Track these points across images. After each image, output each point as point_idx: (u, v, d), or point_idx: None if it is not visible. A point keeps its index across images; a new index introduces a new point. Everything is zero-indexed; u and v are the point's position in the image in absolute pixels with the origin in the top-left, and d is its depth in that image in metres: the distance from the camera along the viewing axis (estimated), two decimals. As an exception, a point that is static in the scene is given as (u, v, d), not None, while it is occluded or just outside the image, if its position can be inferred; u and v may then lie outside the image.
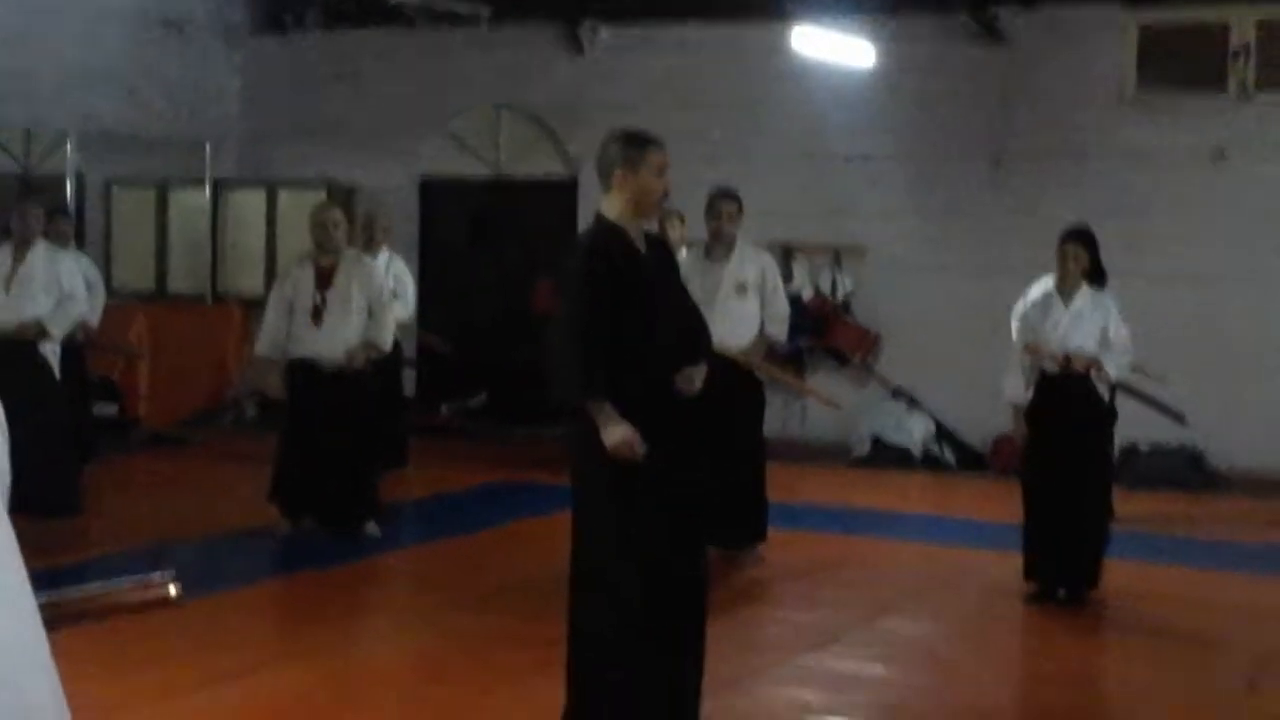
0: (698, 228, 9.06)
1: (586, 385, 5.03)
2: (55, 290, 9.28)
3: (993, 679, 6.66)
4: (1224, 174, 12.16)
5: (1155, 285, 11.62)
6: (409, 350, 12.81)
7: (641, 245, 5.30)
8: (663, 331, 5.21)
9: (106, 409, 12.52)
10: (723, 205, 8.61)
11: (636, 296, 5.14)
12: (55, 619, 2.09)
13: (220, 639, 6.76)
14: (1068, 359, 7.74)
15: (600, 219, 5.29)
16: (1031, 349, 7.95)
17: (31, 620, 2.05)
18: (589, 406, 5.02)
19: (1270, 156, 12.04)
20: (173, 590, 2.43)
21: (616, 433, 4.97)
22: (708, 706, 5.30)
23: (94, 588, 2.43)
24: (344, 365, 8.92)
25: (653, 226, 6.25)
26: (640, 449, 4.97)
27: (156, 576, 2.47)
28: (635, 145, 5.26)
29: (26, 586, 2.06)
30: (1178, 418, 9.64)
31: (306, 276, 9.05)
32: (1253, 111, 12.11)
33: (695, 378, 5.27)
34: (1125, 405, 8.47)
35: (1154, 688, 6.44)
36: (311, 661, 6.45)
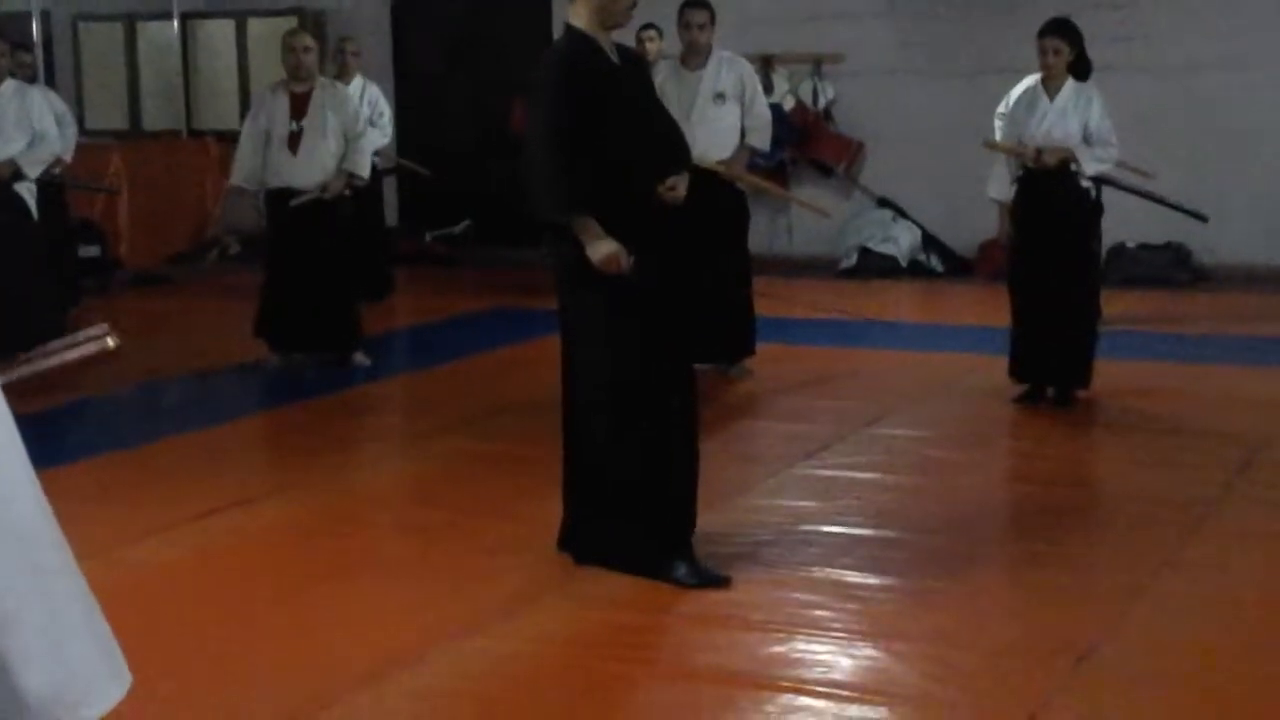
0: (675, 44, 8.90)
1: (568, 201, 4.97)
2: (27, 129, 9.13)
3: (985, 480, 6.69)
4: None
5: (1141, 77, 11.49)
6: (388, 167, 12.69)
7: (614, 56, 5.20)
8: (641, 142, 5.15)
9: (89, 250, 12.42)
10: (692, 15, 8.45)
11: (612, 107, 5.07)
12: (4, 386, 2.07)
13: (212, 473, 6.77)
14: (1039, 153, 7.65)
15: (570, 29, 5.18)
16: (996, 146, 7.88)
17: (15, 445, 2.03)
18: (572, 223, 4.97)
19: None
20: (110, 341, 2.42)
21: (602, 248, 4.94)
22: (703, 520, 5.33)
23: (33, 354, 2.41)
24: (320, 195, 8.83)
25: (629, 43, 6.13)
26: (627, 263, 4.94)
27: (92, 330, 2.46)
28: None
29: (8, 417, 2.03)
30: (1200, 217, 9.55)
31: (281, 105, 8.93)
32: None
33: (679, 185, 5.23)
34: (1114, 205, 8.39)
35: (1145, 481, 6.48)
36: (303, 491, 6.47)
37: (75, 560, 2.05)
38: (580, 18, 5.14)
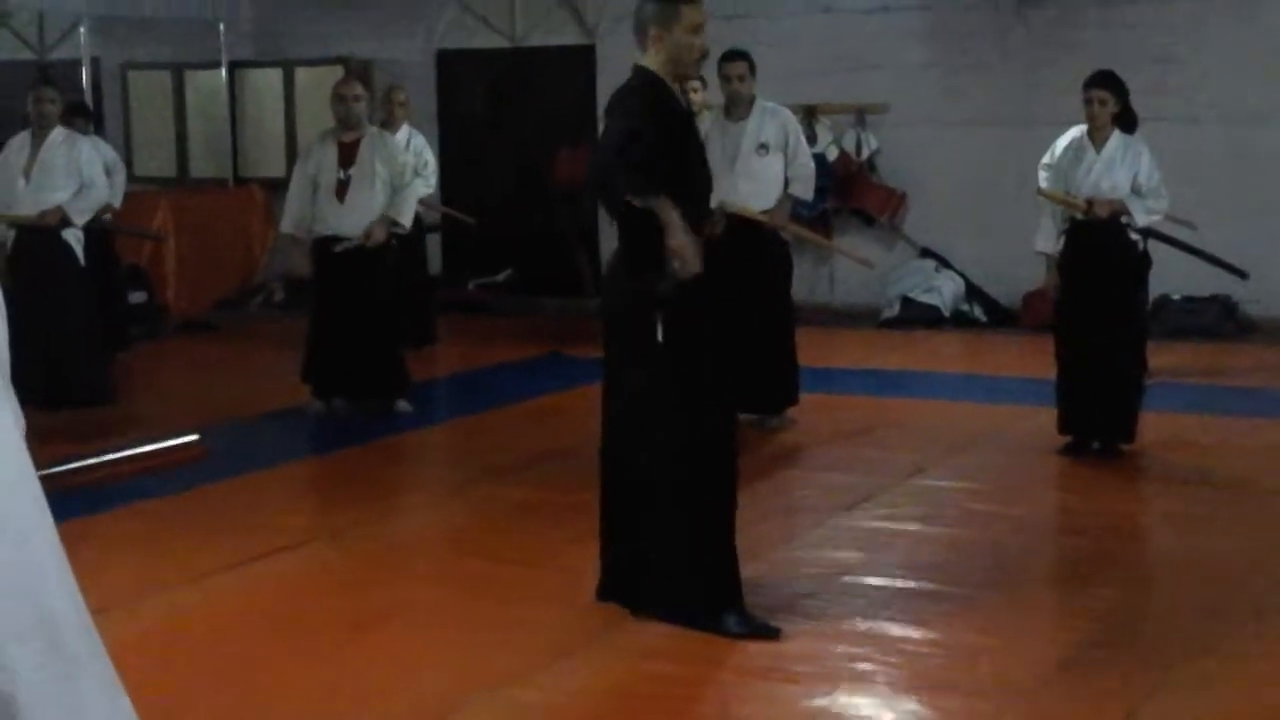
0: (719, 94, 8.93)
1: (652, 183, 4.91)
2: (75, 177, 9.23)
3: (1029, 532, 6.64)
4: (1253, 11, 11.92)
5: (1185, 128, 11.45)
6: (432, 219, 12.77)
7: (681, 99, 5.28)
8: (696, 181, 5.17)
9: (136, 296, 12.52)
10: (730, 67, 8.47)
11: (676, 144, 5.08)
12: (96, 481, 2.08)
13: (254, 518, 6.79)
14: (1090, 204, 7.63)
15: (641, 70, 5.20)
16: (1049, 195, 7.85)
17: (38, 505, 2.03)
18: (655, 202, 4.89)
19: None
20: (199, 449, 2.45)
21: (682, 234, 4.86)
22: (745, 570, 5.31)
23: (126, 457, 2.44)
24: (363, 242, 8.88)
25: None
26: (698, 265, 4.89)
27: (184, 440, 2.49)
28: (669, 3, 5.16)
29: (28, 464, 2.03)
30: (1240, 274, 9.50)
31: (330, 153, 9.00)
32: (1284, -54, 11.85)
33: (716, 220, 5.23)
34: (1161, 257, 8.37)
35: (1191, 535, 6.42)
36: (345, 537, 6.48)
37: (105, 624, 2.05)
38: (651, 63, 5.18)
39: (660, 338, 5.02)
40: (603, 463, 5.37)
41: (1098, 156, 7.70)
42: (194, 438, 2.31)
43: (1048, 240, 7.90)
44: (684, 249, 4.87)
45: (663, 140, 5.04)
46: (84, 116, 11.20)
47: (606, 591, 5.37)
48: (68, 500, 1.79)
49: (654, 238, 4.94)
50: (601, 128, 5.36)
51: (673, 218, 4.87)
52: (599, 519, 5.40)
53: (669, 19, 5.13)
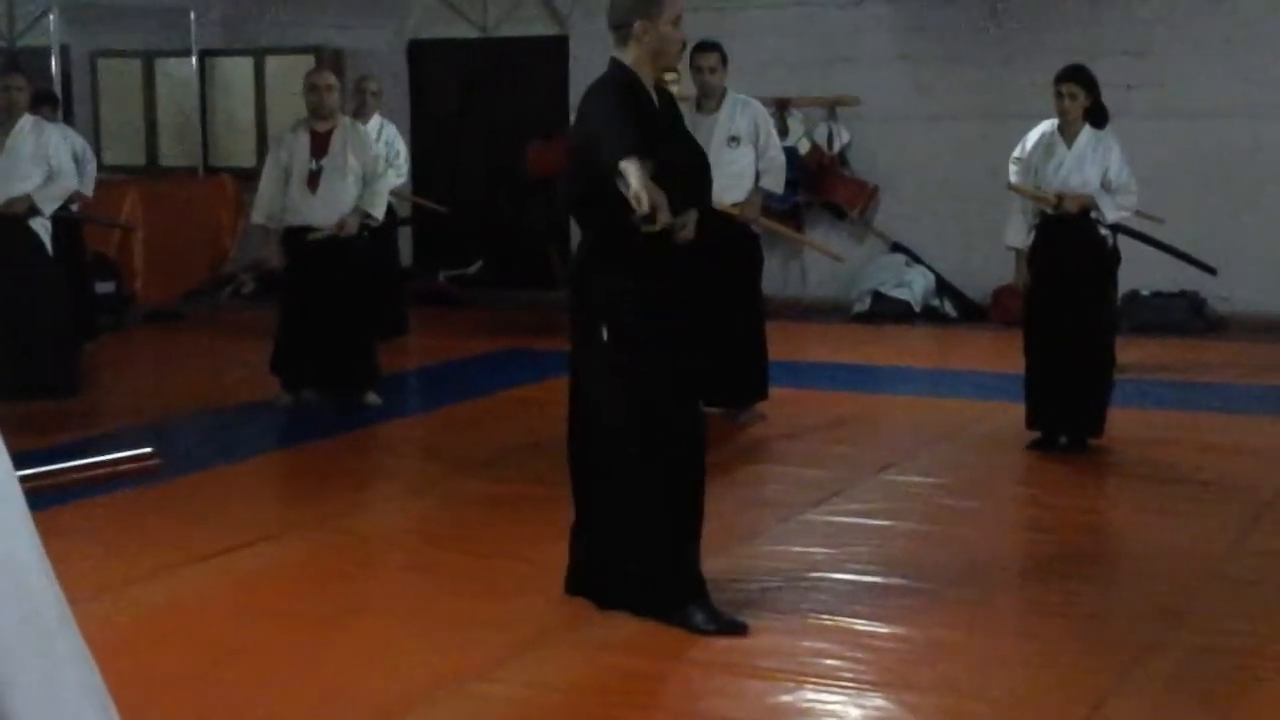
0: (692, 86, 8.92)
1: (634, 144, 4.82)
2: (43, 165, 9.17)
3: (997, 528, 6.67)
4: (1225, 7, 11.98)
5: (1155, 124, 11.50)
6: (404, 212, 12.75)
7: (654, 96, 5.22)
8: (665, 178, 5.11)
9: (104, 286, 12.45)
10: (702, 58, 8.46)
11: (647, 139, 5.05)
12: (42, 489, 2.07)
13: (223, 512, 6.77)
14: (1059, 199, 7.65)
15: (616, 63, 5.17)
16: (1019, 189, 7.86)
17: (13, 491, 2.02)
18: (623, 163, 4.77)
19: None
20: (153, 462, 2.44)
21: (646, 183, 4.73)
22: (713, 564, 5.32)
23: (76, 469, 2.43)
24: (336, 233, 8.86)
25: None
26: (666, 214, 4.78)
27: (137, 453, 2.48)
28: None
29: (11, 474, 2.02)
30: (1208, 270, 9.55)
31: (302, 143, 8.97)
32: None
33: (689, 225, 5.17)
34: (1130, 253, 8.39)
35: (1158, 531, 6.45)
36: (316, 531, 6.46)
37: (73, 614, 2.04)
38: (629, 56, 5.15)
39: (605, 338, 5.02)
40: (570, 457, 5.37)
41: (1068, 151, 7.72)
42: (146, 450, 2.29)
43: (1018, 235, 7.92)
44: (648, 191, 4.71)
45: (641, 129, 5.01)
46: (51, 104, 11.14)
47: (574, 585, 5.37)
48: (27, 493, 1.79)
49: (619, 232, 4.94)
50: (574, 119, 5.32)
51: (632, 169, 4.74)
52: (574, 512, 5.39)
53: (652, 11, 5.09)
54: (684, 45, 5.28)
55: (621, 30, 5.15)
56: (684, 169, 5.30)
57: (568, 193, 5.18)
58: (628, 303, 5.04)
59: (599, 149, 4.93)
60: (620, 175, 4.80)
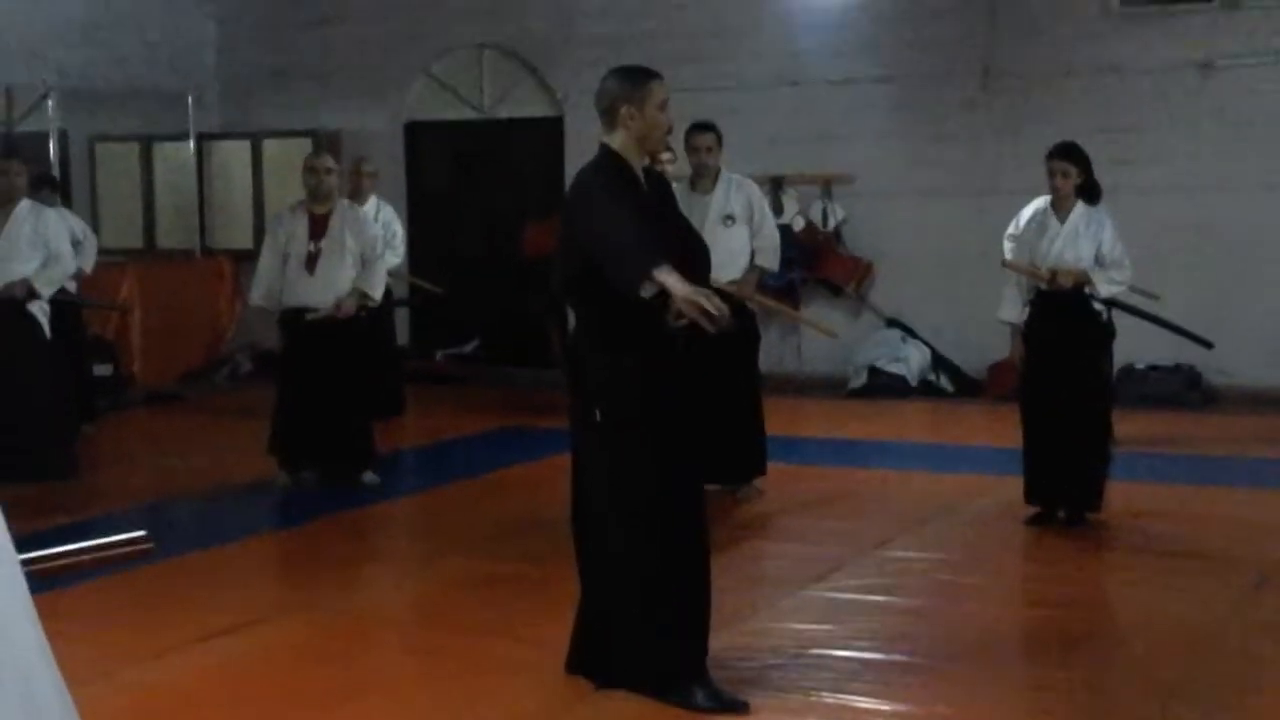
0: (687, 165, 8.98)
1: (651, 256, 4.86)
2: (42, 249, 9.20)
3: (996, 603, 6.65)
4: (1213, 85, 12.08)
5: (1146, 200, 11.57)
6: (401, 293, 12.79)
7: (644, 181, 5.24)
8: (681, 250, 5.13)
9: (102, 369, 12.47)
10: (698, 138, 8.53)
11: (647, 221, 5.07)
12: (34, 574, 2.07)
13: (220, 593, 6.75)
14: (1054, 274, 7.69)
15: (605, 148, 5.21)
16: (1014, 266, 7.90)
17: (12, 569, 2.03)
18: (658, 274, 4.80)
19: (1258, 65, 11.95)
20: (147, 546, 2.45)
21: (689, 289, 4.79)
22: (713, 641, 5.29)
23: (72, 552, 2.44)
24: (334, 314, 8.88)
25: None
26: (722, 315, 4.79)
27: (131, 536, 2.49)
28: (637, 80, 5.18)
29: (7, 541, 2.04)
30: (1205, 344, 9.58)
31: (300, 225, 9.01)
32: (1240, 20, 12.03)
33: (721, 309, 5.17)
34: (1126, 326, 8.43)
35: (1157, 605, 6.43)
36: (313, 612, 6.44)
37: (70, 692, 2.04)
38: (617, 141, 5.18)
39: (599, 419, 5.02)
40: (574, 536, 5.35)
41: (1060, 228, 7.77)
42: (140, 534, 2.30)
43: (1012, 310, 7.95)
44: (696, 300, 4.75)
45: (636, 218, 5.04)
46: (50, 187, 11.20)
47: (573, 664, 5.35)
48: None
49: (614, 313, 4.97)
50: (566, 205, 5.33)
51: (677, 280, 4.79)
52: (580, 591, 5.37)
53: (640, 97, 5.13)
54: (670, 129, 5.31)
55: (608, 115, 5.19)
56: (681, 253, 5.32)
57: (562, 275, 5.20)
58: (623, 383, 5.04)
59: (617, 265, 4.93)
60: (654, 283, 4.82)
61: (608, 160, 5.19)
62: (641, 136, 5.18)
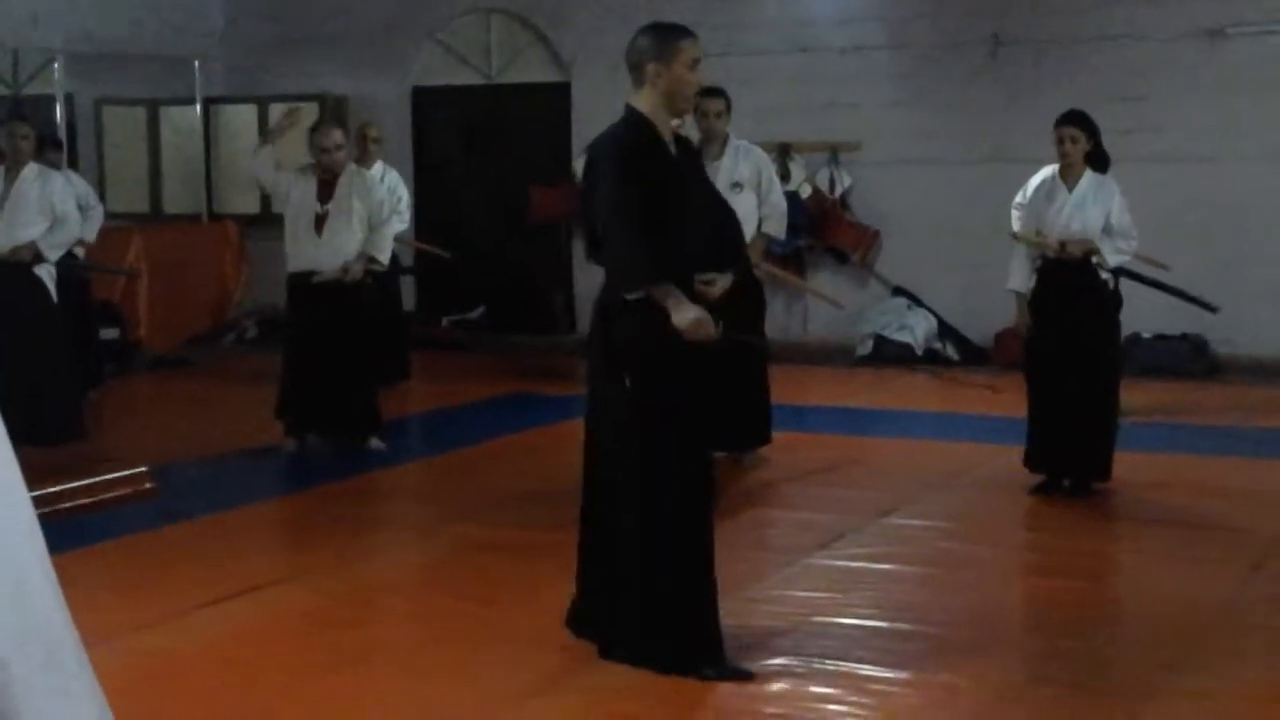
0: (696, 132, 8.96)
1: (650, 270, 4.91)
2: (49, 213, 9.20)
3: (1000, 571, 6.66)
4: (1222, 52, 12.03)
5: (1156, 168, 11.54)
6: (407, 261, 12.78)
7: (672, 146, 5.20)
8: (690, 233, 5.11)
9: (109, 333, 12.48)
10: (707, 104, 8.50)
11: (667, 194, 5.03)
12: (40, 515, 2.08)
13: (226, 558, 6.77)
14: (1063, 245, 7.67)
15: (631, 111, 5.15)
16: (1023, 237, 7.89)
17: (30, 523, 2.04)
18: (655, 291, 4.89)
19: (1269, 33, 11.90)
20: (148, 485, 2.46)
21: (690, 312, 4.87)
22: (719, 609, 5.30)
23: (73, 490, 2.45)
24: (340, 277, 8.89)
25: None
26: (713, 328, 4.89)
27: (132, 473, 2.50)
28: (668, 37, 5.13)
29: (24, 494, 2.04)
30: (1210, 308, 9.57)
31: (309, 188, 9.00)
32: (1250, -13, 11.98)
33: (717, 284, 5.17)
34: (1133, 295, 8.42)
35: (1161, 575, 6.45)
36: (319, 576, 6.46)
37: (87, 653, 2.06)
38: (644, 102, 5.13)
39: (628, 384, 5.01)
40: (584, 499, 5.34)
41: (1069, 196, 7.75)
42: (142, 469, 2.29)
43: (1019, 279, 7.93)
44: (696, 327, 4.86)
45: (650, 193, 4.98)
46: (55, 147, 11.19)
47: (575, 621, 5.35)
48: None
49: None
50: (585, 167, 5.29)
51: (675, 300, 4.86)
52: (579, 553, 5.37)
53: (669, 54, 5.08)
54: (698, 89, 5.29)
55: (636, 72, 5.15)
56: (714, 227, 5.29)
57: (588, 238, 5.17)
58: (651, 347, 5.01)
59: (617, 264, 4.98)
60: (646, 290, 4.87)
61: (634, 124, 5.13)
62: (669, 95, 5.12)
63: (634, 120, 5.14)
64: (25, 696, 1.93)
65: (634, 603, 5.12)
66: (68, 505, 2.42)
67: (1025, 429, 7.95)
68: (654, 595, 5.08)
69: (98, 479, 2.52)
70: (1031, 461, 7.90)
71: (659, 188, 5.02)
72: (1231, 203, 11.97)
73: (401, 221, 11.53)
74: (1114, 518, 7.66)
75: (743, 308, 8.48)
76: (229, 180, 15.34)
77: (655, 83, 5.09)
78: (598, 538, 5.26)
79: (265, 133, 9.24)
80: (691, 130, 8.80)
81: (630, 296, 4.91)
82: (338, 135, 9.14)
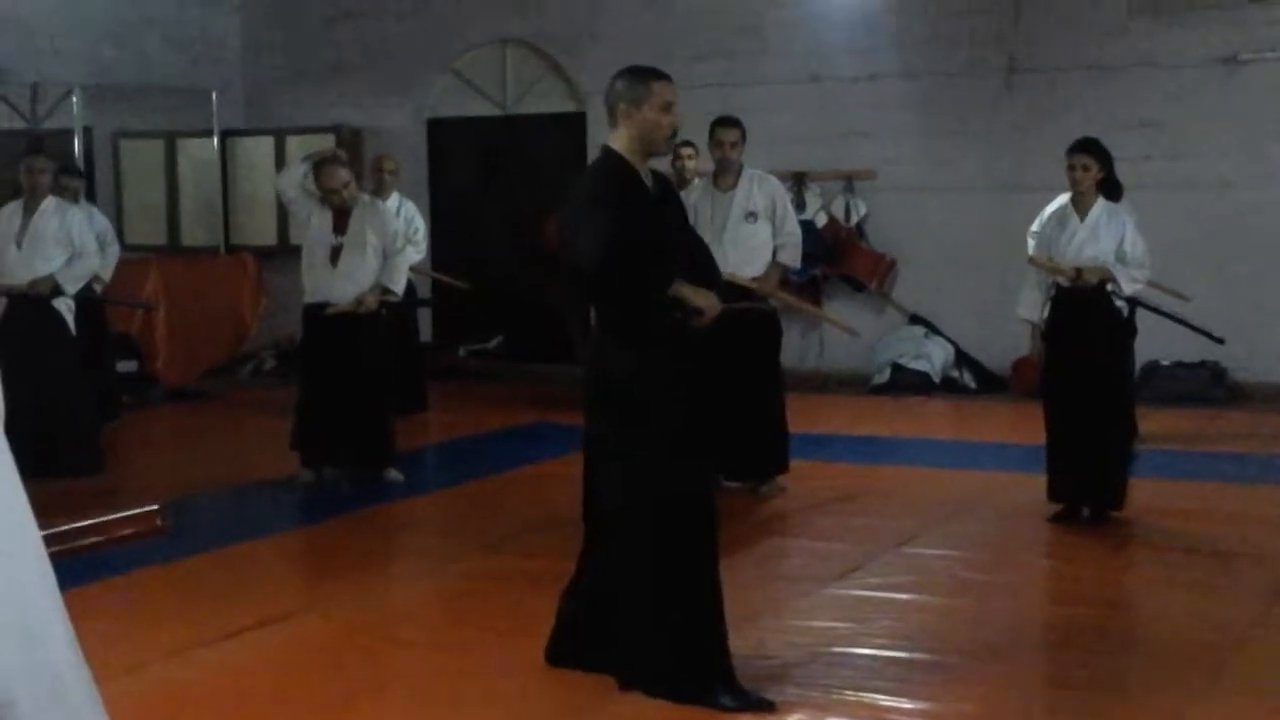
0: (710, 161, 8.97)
1: (659, 279, 5.03)
2: (67, 246, 9.25)
3: (1019, 601, 6.63)
4: (1238, 79, 12.03)
5: (1171, 195, 11.54)
6: (424, 292, 12.80)
7: (648, 181, 5.24)
8: (667, 265, 5.16)
9: (126, 365, 12.52)
10: (723, 133, 8.53)
11: (645, 230, 5.08)
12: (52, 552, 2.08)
13: (243, 590, 6.76)
14: (1078, 272, 7.67)
15: (608, 152, 5.22)
16: (1038, 262, 7.88)
17: (40, 558, 2.04)
18: (674, 290, 5.07)
19: (1284, 60, 11.91)
20: (160, 522, 2.45)
21: (705, 295, 5.09)
22: (736, 640, 5.28)
23: (85, 528, 2.45)
24: (355, 309, 8.90)
25: (665, 161, 6.19)
26: (719, 307, 5.10)
27: (145, 510, 2.50)
28: (639, 80, 5.19)
29: (34, 528, 2.04)
30: (1215, 339, 9.55)
31: (324, 219, 9.03)
32: (1265, 14, 11.97)
33: (706, 314, 5.21)
34: (1150, 323, 8.40)
35: (1181, 604, 6.41)
36: (335, 608, 6.45)
37: (93, 675, 2.05)
38: (620, 142, 5.18)
39: (619, 415, 5.04)
40: (585, 528, 5.37)
41: (1081, 224, 7.74)
42: (153, 508, 2.29)
43: (1031, 308, 7.93)
44: (711, 308, 5.06)
45: (626, 219, 5.03)
46: (73, 175, 11.22)
47: (558, 655, 5.38)
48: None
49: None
50: (569, 207, 5.35)
51: (690, 289, 5.05)
52: (575, 582, 5.39)
53: (639, 97, 5.14)
54: (675, 131, 5.32)
55: (611, 114, 5.21)
56: (690, 258, 5.35)
57: (575, 274, 5.20)
58: (644, 379, 5.03)
59: (625, 290, 5.08)
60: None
61: (607, 161, 5.20)
62: (641, 137, 5.16)
63: (607, 156, 5.21)
64: None
65: (644, 634, 5.12)
66: (78, 544, 2.41)
67: (1044, 458, 7.93)
68: (664, 626, 5.08)
69: (108, 517, 2.52)
70: (1054, 491, 7.87)
71: (635, 220, 5.06)
72: (1248, 228, 11.95)
73: (418, 252, 11.56)
74: (1133, 545, 7.63)
75: (759, 336, 8.54)
76: (246, 212, 15.39)
77: (628, 125, 5.15)
78: (596, 567, 5.29)
79: (306, 158, 9.26)
80: (705, 161, 8.84)
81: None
82: (343, 174, 9.08)
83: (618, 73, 5.28)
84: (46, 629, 1.99)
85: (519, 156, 14.61)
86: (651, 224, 5.12)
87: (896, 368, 12.76)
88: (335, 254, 8.98)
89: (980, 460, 9.74)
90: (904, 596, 6.50)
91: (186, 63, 15.16)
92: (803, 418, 9.56)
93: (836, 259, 13.20)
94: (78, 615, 2.11)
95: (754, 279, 8.44)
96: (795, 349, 12.39)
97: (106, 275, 10.54)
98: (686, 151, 9.99)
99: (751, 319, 8.39)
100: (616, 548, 5.17)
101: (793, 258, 8.76)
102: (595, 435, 5.24)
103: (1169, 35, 12.22)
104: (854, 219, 13.23)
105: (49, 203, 9.30)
